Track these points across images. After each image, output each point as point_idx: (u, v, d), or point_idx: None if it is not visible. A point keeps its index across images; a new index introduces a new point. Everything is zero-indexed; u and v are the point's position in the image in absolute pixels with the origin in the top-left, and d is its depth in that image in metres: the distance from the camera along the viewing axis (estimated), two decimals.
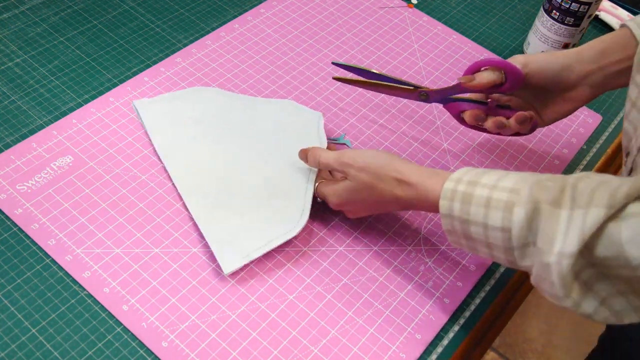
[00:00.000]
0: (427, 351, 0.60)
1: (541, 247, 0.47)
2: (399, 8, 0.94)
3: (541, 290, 0.49)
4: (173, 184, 0.67)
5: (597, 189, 0.45)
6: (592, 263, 0.45)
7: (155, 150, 0.70)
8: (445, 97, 0.72)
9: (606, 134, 0.83)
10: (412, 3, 0.96)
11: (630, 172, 0.56)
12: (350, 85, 0.77)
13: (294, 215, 0.64)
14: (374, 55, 0.86)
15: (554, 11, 0.84)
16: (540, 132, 0.80)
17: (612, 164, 0.81)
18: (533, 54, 0.66)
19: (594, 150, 0.80)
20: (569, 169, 0.77)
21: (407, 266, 0.65)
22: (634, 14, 0.99)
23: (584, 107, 0.84)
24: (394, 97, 0.80)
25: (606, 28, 0.98)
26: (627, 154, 0.57)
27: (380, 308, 0.62)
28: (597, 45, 0.64)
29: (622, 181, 0.45)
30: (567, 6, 0.82)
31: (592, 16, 0.84)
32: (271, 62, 0.83)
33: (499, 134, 0.70)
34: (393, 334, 0.60)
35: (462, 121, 0.73)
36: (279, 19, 0.89)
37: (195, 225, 0.64)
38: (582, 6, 0.81)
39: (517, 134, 0.70)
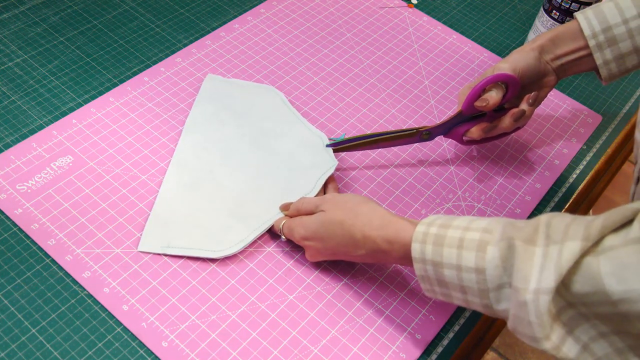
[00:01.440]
0: (427, 351, 0.60)
1: (517, 285, 0.45)
2: (399, 8, 0.94)
3: (520, 334, 0.47)
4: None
5: (571, 224, 0.45)
6: (571, 302, 0.44)
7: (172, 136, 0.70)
8: (447, 129, 0.72)
9: (606, 134, 0.83)
10: (412, 3, 0.95)
11: (638, 181, 0.56)
12: (349, 88, 0.75)
13: (232, 239, 0.63)
14: (374, 55, 0.86)
15: (554, 11, 0.84)
16: (540, 132, 0.80)
17: (612, 164, 0.81)
18: (509, 57, 0.69)
19: (594, 150, 0.80)
20: (569, 169, 0.77)
21: (407, 266, 0.65)
22: None
23: (584, 107, 0.84)
24: (395, 97, 0.80)
25: None
26: (636, 162, 0.57)
27: (380, 308, 0.62)
28: (549, 36, 0.69)
29: (597, 216, 0.44)
30: (567, 6, 0.82)
31: None
32: (271, 62, 0.83)
33: (500, 136, 0.72)
34: (393, 334, 0.60)
35: (466, 142, 0.74)
36: (279, 19, 0.89)
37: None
38: (582, 6, 0.81)
39: (516, 128, 0.72)
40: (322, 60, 0.84)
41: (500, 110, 0.71)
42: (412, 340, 0.60)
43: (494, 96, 0.68)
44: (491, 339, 0.64)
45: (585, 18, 0.67)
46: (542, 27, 0.86)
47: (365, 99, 0.80)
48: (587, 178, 0.77)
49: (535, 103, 0.70)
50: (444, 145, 0.77)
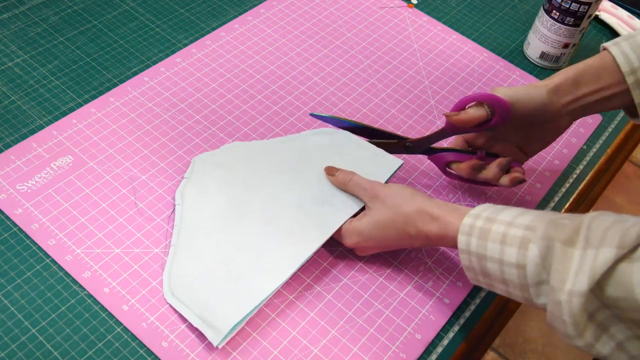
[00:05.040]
0: (427, 351, 0.60)
1: (553, 285, 0.47)
2: (399, 8, 0.94)
3: (555, 329, 0.49)
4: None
5: (610, 229, 0.45)
6: (605, 304, 0.45)
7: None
8: (430, 145, 0.69)
9: (606, 134, 0.83)
10: (412, 3, 0.95)
11: None
12: (349, 88, 0.74)
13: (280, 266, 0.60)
14: (374, 55, 0.86)
15: (554, 11, 0.84)
16: None
17: (612, 164, 0.81)
18: (514, 87, 0.64)
19: (594, 150, 0.80)
20: (569, 169, 0.77)
21: (407, 266, 0.65)
22: (634, 14, 0.99)
23: None
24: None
25: (606, 28, 0.98)
26: None
27: (380, 308, 0.62)
28: (571, 75, 0.63)
29: (636, 221, 0.45)
30: (567, 6, 0.82)
31: (592, 16, 0.84)
32: (271, 62, 0.83)
33: (489, 184, 0.68)
34: (393, 334, 0.60)
35: (448, 174, 0.70)
36: (279, 19, 0.89)
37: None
38: (582, 6, 0.81)
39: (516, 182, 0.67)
40: (322, 60, 0.84)
41: (493, 155, 0.68)
42: (412, 340, 0.60)
43: (469, 112, 0.63)
44: (491, 339, 0.64)
45: (620, 51, 0.60)
46: (542, 27, 0.86)
47: (365, 99, 0.80)
48: (587, 178, 0.77)
49: (530, 153, 0.67)
50: (445, 146, 0.77)
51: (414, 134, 0.77)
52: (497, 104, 0.62)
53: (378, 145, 0.69)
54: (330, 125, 0.73)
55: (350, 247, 0.62)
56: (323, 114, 0.72)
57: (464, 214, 0.55)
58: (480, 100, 0.63)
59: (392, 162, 0.68)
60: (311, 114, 0.71)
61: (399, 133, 0.73)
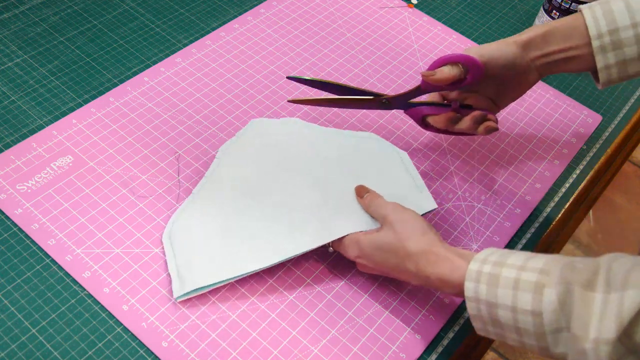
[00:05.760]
0: (427, 351, 0.60)
1: (576, 332, 0.44)
2: (399, 8, 0.94)
3: None
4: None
5: (632, 270, 0.43)
6: (632, 350, 0.43)
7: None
8: (406, 101, 0.70)
9: (606, 134, 0.83)
10: (412, 3, 0.95)
11: None
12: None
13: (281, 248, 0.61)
14: (374, 55, 0.86)
15: (554, 11, 0.84)
16: (540, 132, 0.80)
17: (612, 164, 0.81)
18: (486, 44, 0.66)
19: (594, 150, 0.80)
20: (569, 169, 0.77)
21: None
22: None
23: (584, 107, 0.84)
24: None
25: None
26: None
27: (380, 308, 0.62)
28: (541, 32, 0.65)
29: None
30: (567, 6, 0.82)
31: None
32: (271, 62, 0.83)
33: (465, 134, 0.70)
34: (393, 334, 0.60)
35: (425, 126, 0.72)
36: (279, 19, 0.89)
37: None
38: None
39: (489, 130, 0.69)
40: (322, 60, 0.84)
41: (467, 107, 0.69)
42: (412, 340, 0.60)
43: (444, 71, 0.65)
44: (491, 339, 0.64)
45: (592, 16, 0.62)
46: None
47: None
48: (587, 178, 0.77)
49: (502, 105, 0.69)
50: (444, 145, 0.77)
51: (414, 134, 0.77)
52: (471, 64, 0.65)
53: (355, 102, 0.71)
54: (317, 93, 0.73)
55: (351, 259, 0.61)
56: (301, 77, 0.72)
57: (468, 258, 0.52)
58: (455, 60, 0.65)
59: (426, 200, 0.65)
60: (288, 77, 0.71)
61: (375, 91, 0.73)
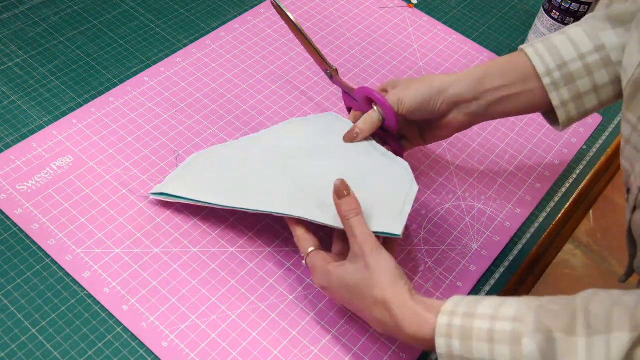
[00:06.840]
0: (427, 351, 0.60)
1: None
2: (399, 8, 0.94)
3: None
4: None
5: (613, 311, 0.42)
6: None
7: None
8: (343, 88, 0.69)
9: (606, 134, 0.83)
10: (412, 3, 0.96)
11: (633, 210, 0.53)
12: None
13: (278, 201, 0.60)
14: (374, 55, 0.86)
15: (554, 11, 0.84)
16: (540, 132, 0.80)
17: (612, 164, 0.81)
18: (408, 83, 0.63)
19: (594, 150, 0.80)
20: (569, 169, 0.77)
21: (407, 266, 0.65)
22: None
23: None
24: None
25: None
26: (628, 190, 0.54)
27: None
28: (477, 73, 0.61)
29: (637, 297, 0.42)
30: (567, 6, 0.82)
31: None
32: (271, 62, 0.83)
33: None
34: None
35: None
36: (279, 19, 0.89)
37: (196, 225, 0.64)
38: (582, 6, 0.81)
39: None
40: None
41: (402, 136, 0.68)
42: None
43: (363, 128, 0.64)
44: None
45: (535, 52, 0.58)
46: (542, 27, 0.86)
47: None
48: (587, 178, 0.77)
49: (432, 142, 0.67)
50: (444, 145, 0.77)
51: None
52: (386, 112, 0.63)
53: (312, 53, 0.70)
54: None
55: (316, 286, 0.58)
56: (282, 6, 0.69)
57: (435, 310, 0.49)
58: (375, 101, 0.63)
59: (396, 223, 0.58)
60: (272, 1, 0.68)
61: (328, 60, 0.71)
